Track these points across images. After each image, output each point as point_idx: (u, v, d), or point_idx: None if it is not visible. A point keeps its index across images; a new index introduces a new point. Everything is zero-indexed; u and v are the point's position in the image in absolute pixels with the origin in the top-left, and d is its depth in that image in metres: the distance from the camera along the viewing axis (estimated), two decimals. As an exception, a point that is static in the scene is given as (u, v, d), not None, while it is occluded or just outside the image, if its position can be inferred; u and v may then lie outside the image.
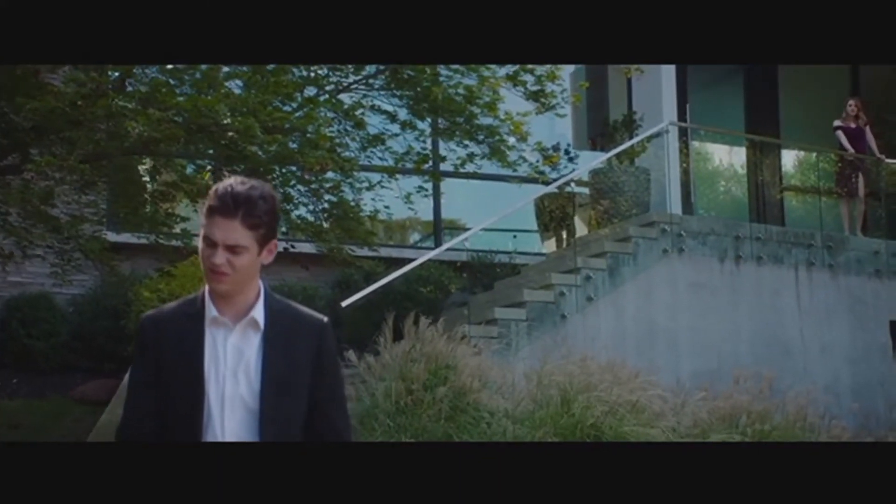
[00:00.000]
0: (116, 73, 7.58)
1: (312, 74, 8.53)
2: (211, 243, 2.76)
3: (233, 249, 2.75)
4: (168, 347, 2.77)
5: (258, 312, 2.82)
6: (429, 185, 10.35)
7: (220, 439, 2.73)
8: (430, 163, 9.80)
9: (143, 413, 2.77)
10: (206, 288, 2.82)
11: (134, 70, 7.48)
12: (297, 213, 8.76)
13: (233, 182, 2.79)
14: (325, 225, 8.81)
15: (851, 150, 12.63)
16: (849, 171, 12.67)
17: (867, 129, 12.79)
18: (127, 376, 9.24)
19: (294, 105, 8.05)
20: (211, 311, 2.79)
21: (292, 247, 9.10)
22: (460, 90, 8.50)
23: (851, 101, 12.89)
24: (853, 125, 12.70)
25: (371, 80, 8.85)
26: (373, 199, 9.25)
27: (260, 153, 7.61)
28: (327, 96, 8.57)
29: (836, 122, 12.81)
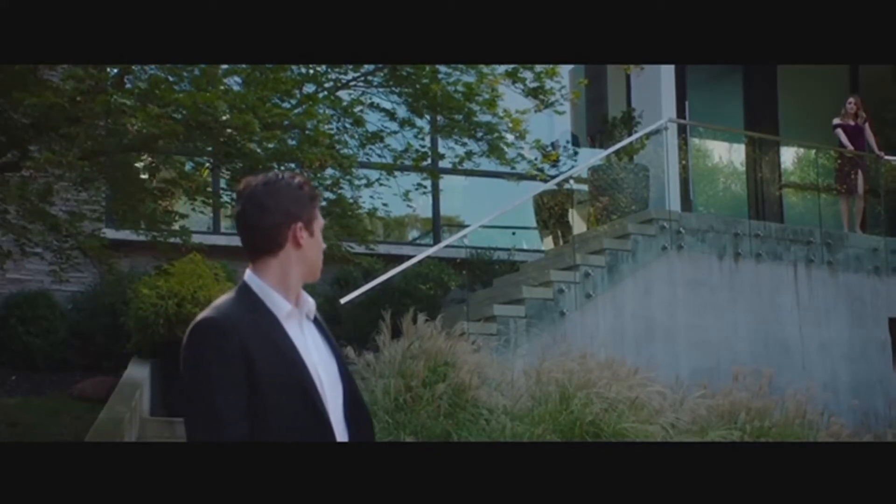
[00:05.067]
0: (115, 70, 7.57)
1: (311, 71, 8.53)
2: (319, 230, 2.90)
3: None
4: (257, 349, 2.65)
5: (308, 297, 2.84)
6: (427, 183, 10.34)
7: (334, 429, 2.73)
8: (429, 160, 9.80)
9: (239, 415, 2.62)
10: (260, 283, 2.75)
11: (133, 67, 7.47)
12: (296, 210, 8.74)
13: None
14: (324, 222, 8.80)
15: (851, 148, 12.62)
16: (848, 168, 12.65)
17: (866, 126, 12.77)
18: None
19: (293, 102, 8.05)
20: (284, 304, 2.75)
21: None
22: (459, 87, 8.50)
23: (851, 99, 12.87)
24: (852, 123, 12.68)
25: (370, 78, 8.85)
26: (371, 197, 9.26)
27: (258, 150, 7.61)
28: (326, 93, 8.57)
29: (836, 120, 12.79)
